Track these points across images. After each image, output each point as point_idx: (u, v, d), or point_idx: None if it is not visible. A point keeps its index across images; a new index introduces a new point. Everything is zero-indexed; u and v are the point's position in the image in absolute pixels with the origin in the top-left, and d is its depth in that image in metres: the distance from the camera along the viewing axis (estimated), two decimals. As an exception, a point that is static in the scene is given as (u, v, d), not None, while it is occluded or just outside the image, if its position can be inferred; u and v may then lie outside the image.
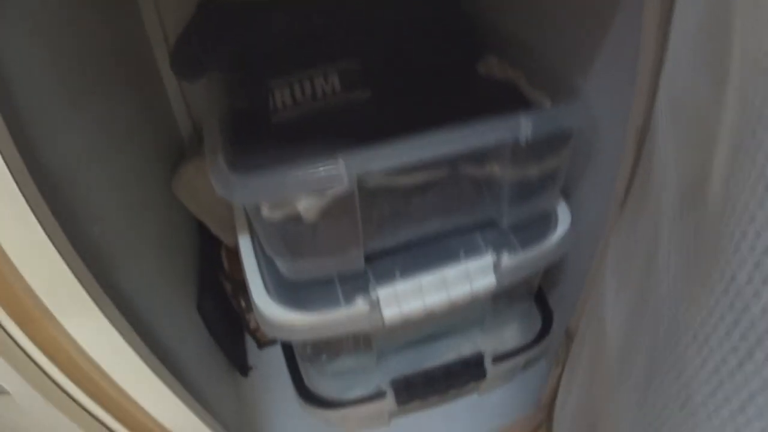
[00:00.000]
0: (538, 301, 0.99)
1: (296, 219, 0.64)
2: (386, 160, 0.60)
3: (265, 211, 0.63)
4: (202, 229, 1.05)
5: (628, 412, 0.49)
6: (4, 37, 0.51)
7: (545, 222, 0.79)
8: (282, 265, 0.70)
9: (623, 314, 0.54)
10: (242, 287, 1.02)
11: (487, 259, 0.72)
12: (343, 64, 0.81)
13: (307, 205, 0.62)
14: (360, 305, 0.69)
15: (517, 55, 0.81)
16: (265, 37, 0.86)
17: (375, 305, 0.70)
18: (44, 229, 0.46)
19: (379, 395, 0.89)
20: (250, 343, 1.15)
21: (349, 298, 0.70)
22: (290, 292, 0.71)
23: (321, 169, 0.58)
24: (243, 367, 1.10)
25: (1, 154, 0.41)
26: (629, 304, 0.53)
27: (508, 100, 0.77)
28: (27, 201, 0.44)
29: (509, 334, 1.02)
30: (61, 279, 0.50)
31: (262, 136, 0.73)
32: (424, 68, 0.84)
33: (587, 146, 0.77)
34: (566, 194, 0.81)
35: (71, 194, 0.58)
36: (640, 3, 0.55)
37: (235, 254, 1.00)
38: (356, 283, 0.71)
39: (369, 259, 0.71)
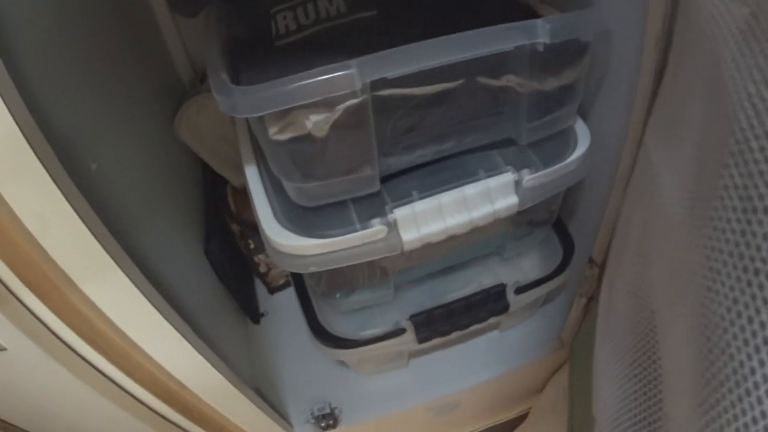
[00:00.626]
0: (558, 229, 0.95)
1: (305, 137, 0.60)
2: (400, 64, 0.56)
3: (273, 131, 0.59)
4: (206, 171, 1.02)
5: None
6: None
7: (565, 140, 0.75)
8: (292, 190, 0.66)
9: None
10: (250, 228, 0.99)
11: (508, 177, 0.69)
12: None
13: (316, 120, 0.58)
14: (377, 228, 0.65)
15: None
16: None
17: (393, 227, 0.66)
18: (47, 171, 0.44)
19: (398, 332, 0.85)
20: (261, 289, 1.12)
21: (364, 221, 0.66)
22: (302, 218, 0.67)
23: (332, 74, 0.54)
24: (254, 314, 1.07)
25: (9, 109, 0.39)
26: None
27: (519, 16, 0.73)
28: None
29: (530, 265, 0.99)
30: (67, 225, 0.47)
31: (266, 59, 0.69)
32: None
33: (602, 60, 0.73)
34: (583, 114, 0.77)
35: (73, 138, 0.55)
36: None
37: (241, 195, 0.97)
38: (371, 205, 0.67)
39: (384, 180, 0.67)
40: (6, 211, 0.44)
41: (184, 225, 0.89)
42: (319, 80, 0.54)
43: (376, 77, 0.56)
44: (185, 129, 0.92)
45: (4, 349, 0.51)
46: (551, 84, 0.67)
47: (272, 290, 1.11)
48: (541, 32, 0.59)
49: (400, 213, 0.65)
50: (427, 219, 0.67)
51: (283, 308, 1.09)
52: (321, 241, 0.65)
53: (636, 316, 0.55)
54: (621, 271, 0.60)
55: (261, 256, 1.03)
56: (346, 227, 0.66)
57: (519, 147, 0.73)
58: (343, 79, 0.54)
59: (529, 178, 0.69)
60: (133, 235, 0.62)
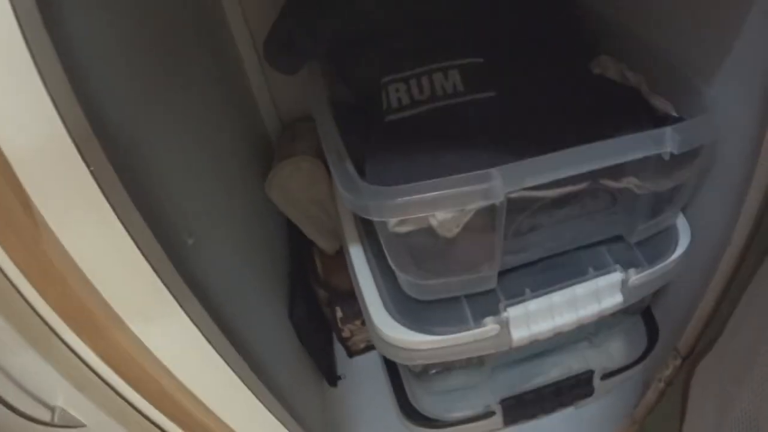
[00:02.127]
0: (645, 316, 0.94)
1: (428, 232, 0.59)
2: (541, 174, 0.55)
3: (393, 223, 0.59)
4: (292, 232, 1.01)
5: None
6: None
7: (668, 238, 0.73)
8: (406, 283, 0.65)
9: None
10: (338, 295, 0.98)
11: (616, 277, 0.68)
12: (465, 61, 0.74)
13: (443, 219, 0.58)
14: (490, 326, 0.64)
15: (633, 54, 0.76)
16: (371, 24, 0.80)
17: (505, 325, 0.65)
18: (130, 233, 0.42)
19: (487, 414, 0.84)
20: (339, 351, 1.11)
21: (478, 319, 0.65)
22: (413, 312, 0.66)
23: (475, 186, 0.53)
24: (332, 377, 1.06)
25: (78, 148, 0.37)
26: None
27: (631, 105, 0.72)
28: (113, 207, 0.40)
29: (616, 350, 0.97)
30: (144, 282, 0.45)
31: (382, 140, 0.68)
32: (542, 66, 0.78)
33: (710, 158, 0.72)
34: (683, 209, 0.76)
35: (163, 203, 0.55)
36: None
37: (330, 259, 0.97)
38: (485, 303, 0.66)
39: (498, 276, 0.66)
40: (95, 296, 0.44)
41: (268, 285, 0.89)
42: (460, 191, 0.53)
43: (517, 188, 0.55)
44: (276, 190, 0.92)
45: (84, 425, 0.51)
46: (666, 185, 0.66)
47: (352, 354, 1.10)
48: (669, 142, 0.58)
49: (513, 312, 0.64)
50: (538, 318, 0.66)
51: (361, 372, 1.08)
52: (433, 338, 0.64)
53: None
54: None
55: (347, 325, 1.02)
56: (460, 325, 0.65)
57: (626, 244, 0.72)
58: (485, 191, 0.53)
59: (635, 277, 0.68)
60: (212, 294, 0.61)
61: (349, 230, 0.74)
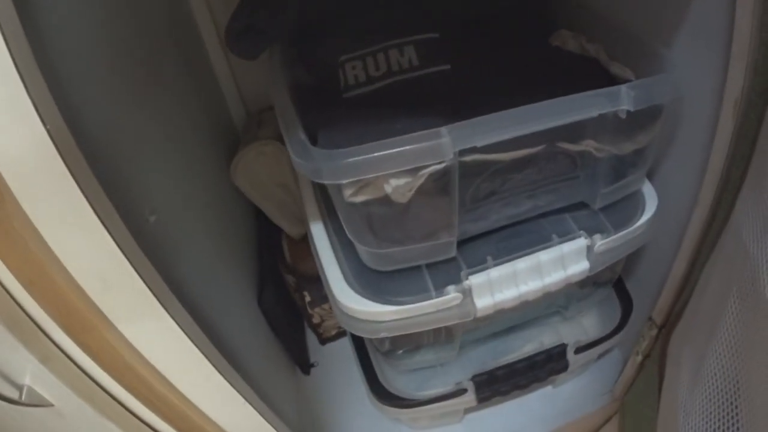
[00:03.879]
0: (617, 287, 0.93)
1: (383, 200, 0.58)
2: (492, 133, 0.54)
3: (349, 193, 0.58)
4: (260, 219, 1.00)
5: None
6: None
7: (633, 204, 0.73)
8: (365, 254, 0.64)
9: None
10: (306, 280, 0.97)
11: (581, 243, 0.67)
12: (419, 36, 0.74)
13: (397, 185, 0.57)
14: (452, 295, 0.63)
15: (593, 27, 0.76)
16: (328, 5, 0.80)
17: (467, 294, 0.64)
18: (100, 219, 0.42)
19: (459, 392, 0.83)
20: (311, 339, 1.10)
21: (439, 288, 0.64)
22: (374, 283, 0.65)
23: (423, 143, 0.52)
24: (305, 364, 1.05)
25: (54, 141, 0.37)
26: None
27: (589, 73, 0.72)
28: (81, 189, 0.40)
29: (589, 323, 0.97)
30: (119, 273, 0.45)
31: (338, 113, 0.67)
32: (498, 40, 0.78)
33: (671, 122, 0.72)
34: (649, 174, 0.75)
35: (125, 181, 0.54)
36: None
37: (297, 245, 0.96)
38: (446, 271, 0.66)
39: (458, 244, 0.65)
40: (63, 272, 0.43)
41: (236, 273, 0.88)
42: (409, 149, 0.52)
43: (467, 146, 0.54)
44: (242, 175, 0.91)
45: (51, 405, 0.50)
46: (627, 148, 0.66)
47: (324, 341, 1.09)
48: (625, 100, 0.58)
49: (475, 280, 0.64)
50: (502, 285, 0.65)
51: (334, 359, 1.07)
52: (395, 308, 0.63)
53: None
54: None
55: (315, 309, 1.01)
56: (421, 294, 0.64)
57: (590, 210, 0.71)
58: (434, 148, 0.53)
59: (600, 243, 0.67)
60: (184, 284, 0.60)
61: (310, 206, 0.73)
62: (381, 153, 0.52)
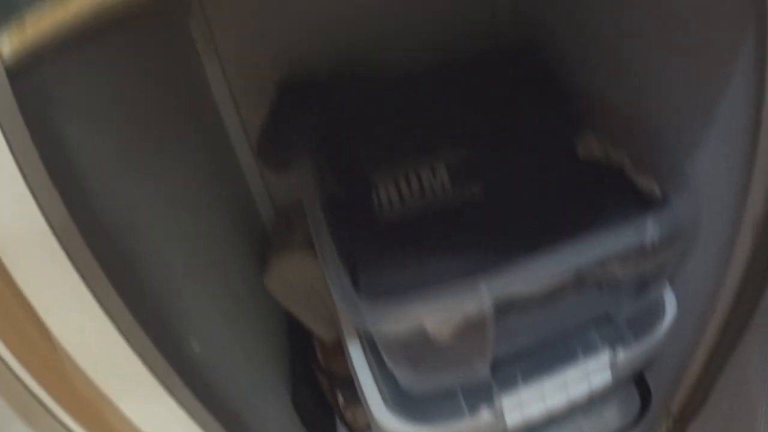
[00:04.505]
0: (636, 378, 0.96)
1: (422, 334, 0.62)
2: (527, 279, 0.60)
3: (389, 328, 0.61)
4: (291, 319, 1.03)
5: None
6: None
7: (654, 310, 0.76)
8: (403, 379, 0.68)
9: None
10: (339, 381, 1.00)
11: (604, 357, 0.71)
12: (450, 155, 0.79)
13: (436, 324, 0.61)
14: (485, 415, 0.67)
15: (617, 131, 0.79)
16: (357, 120, 0.84)
17: (499, 413, 0.68)
18: (119, 329, 0.45)
19: None
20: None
21: (473, 409, 0.68)
22: (411, 404, 0.69)
23: (461, 296, 0.57)
24: (337, 459, 1.07)
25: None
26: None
27: (615, 186, 0.75)
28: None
29: (609, 415, 1.00)
30: (133, 368, 0.48)
31: (376, 241, 0.72)
32: (526, 152, 0.82)
33: (692, 236, 0.74)
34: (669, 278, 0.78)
35: (157, 283, 0.58)
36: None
37: (330, 348, 0.99)
38: (479, 392, 0.69)
39: (491, 366, 0.69)
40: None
41: (269, 371, 0.91)
42: (450, 300, 0.57)
43: (503, 294, 0.58)
44: (275, 282, 0.94)
45: None
46: (650, 267, 0.69)
47: (355, 435, 1.11)
48: (651, 232, 0.62)
49: (506, 400, 0.68)
50: (531, 402, 0.69)
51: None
52: (431, 429, 0.66)
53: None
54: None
55: (350, 409, 1.03)
56: (456, 415, 0.68)
57: (613, 320, 0.75)
58: (472, 298, 0.57)
59: (623, 354, 0.71)
60: (214, 386, 0.64)
61: (348, 329, 0.76)
62: (422, 305, 0.57)
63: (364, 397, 0.70)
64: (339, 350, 0.90)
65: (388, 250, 0.70)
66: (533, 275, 0.59)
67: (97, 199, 0.50)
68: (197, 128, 0.89)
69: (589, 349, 0.72)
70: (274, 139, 0.84)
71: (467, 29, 1.06)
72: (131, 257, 0.54)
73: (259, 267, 0.96)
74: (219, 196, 0.90)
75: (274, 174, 0.84)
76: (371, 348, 0.74)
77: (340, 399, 1.01)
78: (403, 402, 0.69)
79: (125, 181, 0.58)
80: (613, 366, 0.71)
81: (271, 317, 1.02)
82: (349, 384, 0.93)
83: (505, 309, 0.63)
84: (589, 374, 0.71)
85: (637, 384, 0.95)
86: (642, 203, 0.70)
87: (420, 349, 0.63)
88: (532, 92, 0.88)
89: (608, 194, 0.74)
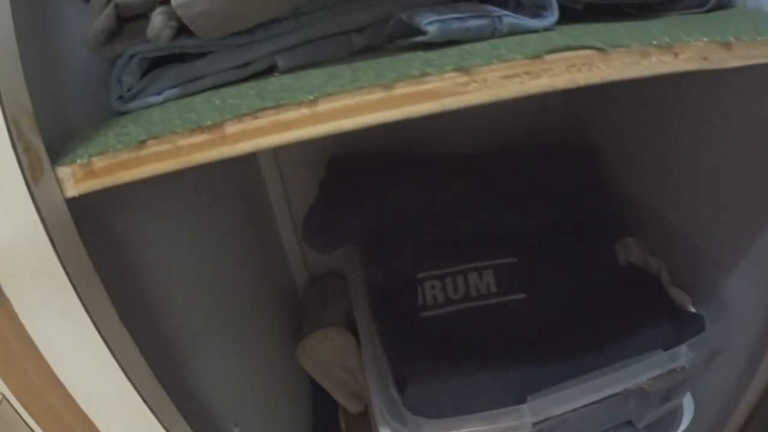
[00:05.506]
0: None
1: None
2: (567, 404, 0.62)
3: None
4: (315, 387, 1.05)
5: None
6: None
7: (672, 415, 0.78)
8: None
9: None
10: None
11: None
12: (498, 260, 0.80)
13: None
14: None
15: (657, 240, 0.82)
16: (406, 212, 0.85)
17: None
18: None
19: None
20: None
21: None
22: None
23: (506, 417, 0.60)
24: None
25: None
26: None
27: (651, 297, 0.77)
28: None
29: None
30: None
31: (421, 343, 0.73)
32: (570, 260, 0.84)
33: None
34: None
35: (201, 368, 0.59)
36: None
37: (353, 417, 1.01)
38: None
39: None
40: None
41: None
42: (493, 421, 0.59)
43: (544, 417, 0.61)
44: (308, 358, 0.97)
45: None
46: (676, 382, 0.72)
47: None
48: (683, 359, 0.65)
49: None
50: None
51: None
52: None
53: None
54: None
55: None
56: None
57: (634, 427, 0.77)
58: (515, 420, 0.60)
59: (641, 462, 0.74)
60: None
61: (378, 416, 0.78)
62: (467, 425, 0.60)
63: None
64: (363, 420, 0.93)
65: (434, 352, 0.71)
66: (574, 400, 0.62)
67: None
68: (242, 195, 0.92)
69: (608, 455, 0.74)
70: (320, 223, 0.86)
71: (518, 122, 1.09)
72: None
73: (290, 336, 0.98)
74: (256, 264, 0.93)
75: (318, 252, 0.86)
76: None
77: (364, 468, 1.03)
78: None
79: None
80: (634, 473, 0.73)
81: (297, 385, 1.03)
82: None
83: (540, 423, 0.66)
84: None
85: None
86: (677, 318, 0.72)
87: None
88: (578, 193, 0.91)
89: (645, 307, 0.75)
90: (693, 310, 0.73)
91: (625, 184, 0.91)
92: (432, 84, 0.34)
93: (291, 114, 0.34)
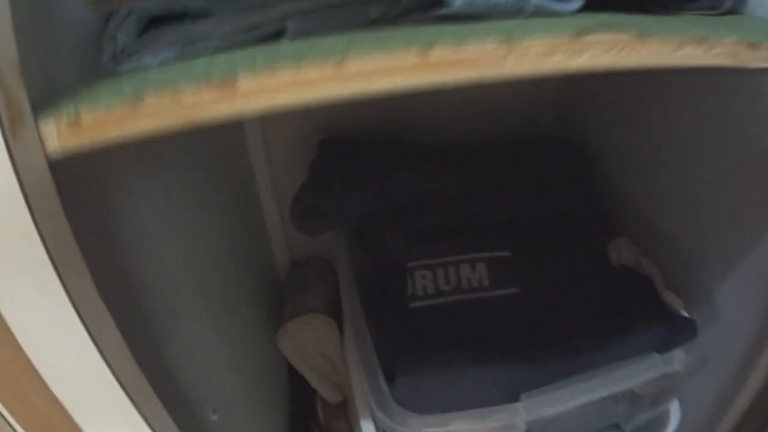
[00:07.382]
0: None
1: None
2: (562, 404, 0.61)
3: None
4: (293, 375, 1.02)
5: None
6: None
7: (659, 419, 0.77)
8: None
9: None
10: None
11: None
12: (491, 253, 0.78)
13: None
14: None
15: (651, 239, 0.81)
16: (397, 198, 0.82)
17: None
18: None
19: None
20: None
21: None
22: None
23: (499, 416, 0.58)
24: None
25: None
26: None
27: (644, 299, 0.75)
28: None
29: None
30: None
31: (411, 333, 0.71)
32: (562, 254, 0.82)
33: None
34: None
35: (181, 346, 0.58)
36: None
37: (331, 406, 0.99)
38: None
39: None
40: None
41: (268, 425, 0.90)
42: (485, 418, 0.57)
43: (538, 417, 0.59)
44: (288, 343, 0.94)
45: None
46: (666, 386, 0.71)
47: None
48: (677, 364, 0.64)
49: None
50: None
51: None
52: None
53: None
54: None
55: None
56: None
57: (620, 429, 0.76)
58: (508, 419, 0.58)
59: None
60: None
61: (361, 404, 0.75)
62: (458, 421, 0.58)
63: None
64: (341, 410, 0.90)
65: (424, 344, 0.69)
66: (569, 400, 0.60)
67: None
68: (226, 174, 0.89)
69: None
70: (308, 206, 0.83)
71: (507, 117, 1.07)
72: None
73: (270, 321, 0.96)
74: (238, 247, 0.90)
75: (307, 236, 0.83)
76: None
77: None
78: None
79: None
80: (618, 477, 0.72)
81: (276, 372, 1.01)
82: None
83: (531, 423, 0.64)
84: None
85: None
86: (670, 321, 0.71)
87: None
88: (571, 188, 0.89)
89: (638, 308, 0.74)
90: (686, 314, 0.72)
91: (616, 184, 0.90)
92: (471, 52, 0.32)
93: (314, 72, 0.32)
